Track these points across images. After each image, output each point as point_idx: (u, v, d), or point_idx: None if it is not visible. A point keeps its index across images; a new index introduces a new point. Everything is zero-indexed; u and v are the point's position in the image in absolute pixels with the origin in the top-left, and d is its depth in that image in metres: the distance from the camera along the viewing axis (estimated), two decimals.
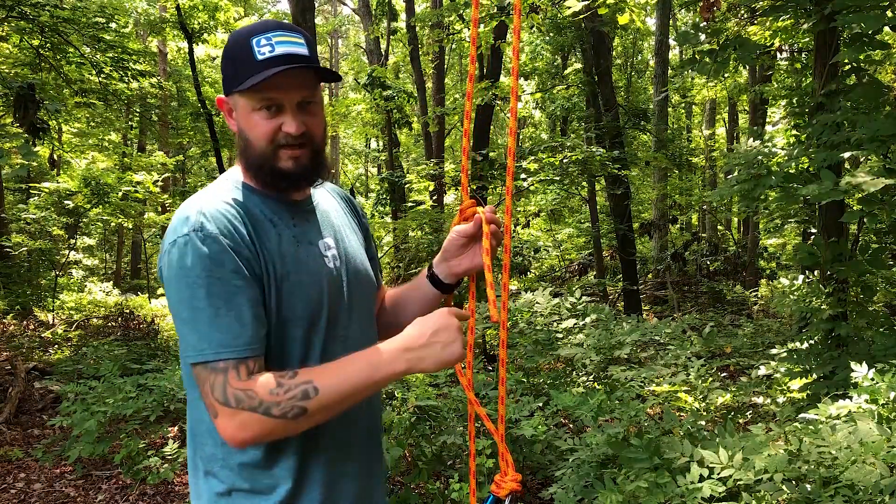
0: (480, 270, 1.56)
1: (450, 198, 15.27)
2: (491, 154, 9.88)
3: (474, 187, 9.88)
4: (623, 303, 10.65)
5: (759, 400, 4.74)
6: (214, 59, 19.24)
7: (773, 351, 5.44)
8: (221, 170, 12.55)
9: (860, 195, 3.81)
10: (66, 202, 11.06)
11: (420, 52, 14.36)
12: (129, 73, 9.84)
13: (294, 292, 1.37)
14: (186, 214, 1.32)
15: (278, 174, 1.38)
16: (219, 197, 1.37)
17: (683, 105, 21.22)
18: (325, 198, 1.57)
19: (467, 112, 1.54)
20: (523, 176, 8.83)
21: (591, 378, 5.12)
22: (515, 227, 14.37)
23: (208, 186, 1.44)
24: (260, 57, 1.33)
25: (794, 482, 2.49)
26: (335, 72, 1.41)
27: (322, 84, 1.46)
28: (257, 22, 1.42)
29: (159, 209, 16.01)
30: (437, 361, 1.30)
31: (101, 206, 11.11)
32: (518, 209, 11.40)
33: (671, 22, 15.35)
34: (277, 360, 1.36)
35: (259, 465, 1.36)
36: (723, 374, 5.84)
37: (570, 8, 5.77)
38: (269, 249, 1.35)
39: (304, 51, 1.37)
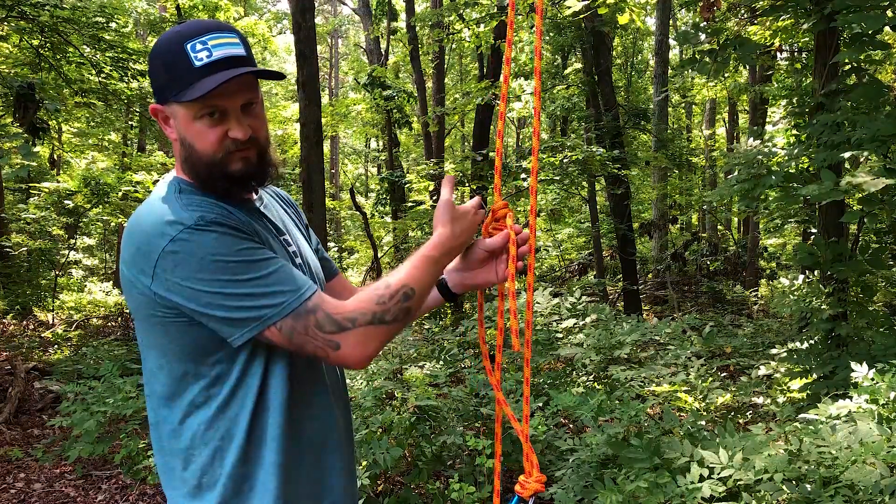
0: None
1: None
2: (491, 154, 9.87)
3: (474, 187, 9.88)
4: (623, 303, 10.65)
5: (759, 400, 4.74)
6: None
7: (773, 351, 5.45)
8: None
9: (860, 195, 3.82)
10: (66, 202, 11.06)
11: (420, 52, 14.37)
12: (129, 72, 9.83)
13: None
14: (169, 218, 1.26)
15: (230, 179, 1.34)
16: (185, 197, 1.33)
17: (683, 105, 21.22)
18: (267, 198, 1.55)
19: (501, 113, 1.52)
20: (523, 176, 8.84)
21: (591, 378, 5.12)
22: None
23: (156, 194, 1.36)
24: (198, 63, 1.28)
25: (794, 482, 2.50)
26: (277, 71, 1.36)
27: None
28: (187, 23, 1.35)
29: None
30: (464, 243, 1.47)
31: (101, 206, 11.11)
32: (518, 209, 11.42)
33: (671, 22, 15.35)
34: (263, 357, 1.34)
35: (240, 480, 1.34)
36: (723, 374, 5.84)
37: (570, 8, 5.77)
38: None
39: (240, 51, 1.32)
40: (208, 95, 1.27)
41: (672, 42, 14.11)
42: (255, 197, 1.47)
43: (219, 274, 1.23)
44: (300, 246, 1.53)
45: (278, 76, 1.37)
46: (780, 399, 4.55)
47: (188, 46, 1.29)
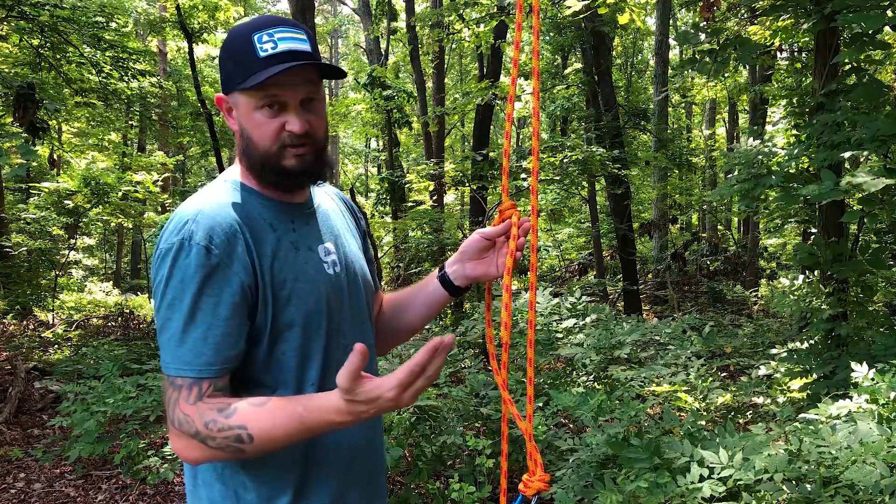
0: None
1: (450, 198, 15.26)
2: (491, 154, 9.88)
3: (475, 187, 9.88)
4: (623, 303, 10.66)
5: (759, 400, 4.74)
6: (214, 58, 19.25)
7: (773, 351, 5.45)
8: (221, 169, 12.53)
9: (860, 195, 3.82)
10: (66, 202, 11.06)
11: (420, 52, 14.36)
12: (129, 72, 9.85)
13: (291, 300, 1.33)
14: (182, 219, 1.29)
15: (283, 173, 1.35)
16: (218, 200, 1.33)
17: (683, 105, 21.23)
18: (324, 200, 1.54)
19: (509, 115, 1.51)
20: (523, 176, 8.84)
21: (591, 378, 5.12)
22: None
23: (207, 187, 1.41)
24: (262, 54, 1.30)
25: (794, 482, 2.49)
26: (340, 68, 1.37)
27: (323, 83, 1.43)
28: (258, 17, 1.37)
29: (159, 209, 16.01)
30: (375, 415, 1.22)
31: (101, 206, 11.12)
32: (518, 209, 11.43)
33: (671, 22, 15.35)
34: (273, 369, 1.34)
35: (259, 476, 1.35)
36: (723, 374, 5.84)
37: (570, 8, 5.77)
38: (267, 256, 1.32)
39: (306, 47, 1.33)
40: (267, 84, 1.28)
41: (672, 42, 14.11)
42: (308, 198, 1.46)
43: (159, 299, 1.28)
44: (347, 253, 1.50)
45: (340, 74, 1.37)
46: (780, 399, 4.55)
47: (255, 37, 1.31)
